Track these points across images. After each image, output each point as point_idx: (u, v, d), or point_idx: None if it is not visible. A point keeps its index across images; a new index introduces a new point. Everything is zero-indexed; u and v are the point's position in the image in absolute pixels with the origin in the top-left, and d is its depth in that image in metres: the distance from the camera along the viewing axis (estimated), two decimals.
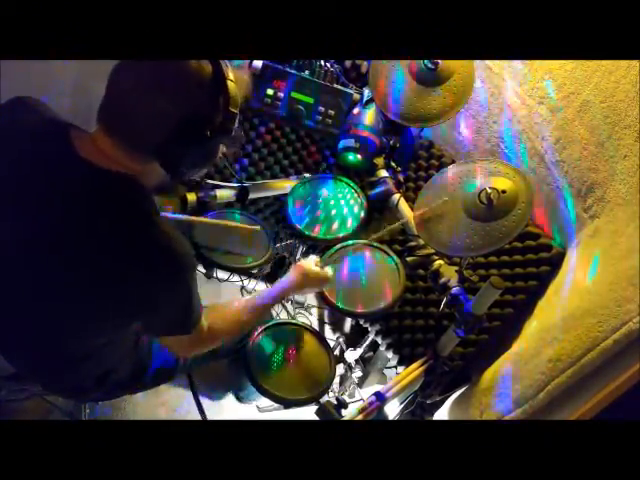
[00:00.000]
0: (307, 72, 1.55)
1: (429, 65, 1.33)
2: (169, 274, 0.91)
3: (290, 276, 1.27)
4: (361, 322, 1.71)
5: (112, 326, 0.99)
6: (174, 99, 0.85)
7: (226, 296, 1.91)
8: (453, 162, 1.61)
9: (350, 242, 1.47)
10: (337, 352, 1.87)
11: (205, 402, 1.54)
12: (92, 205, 0.88)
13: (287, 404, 1.35)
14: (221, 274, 1.58)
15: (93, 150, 0.89)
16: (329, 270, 1.34)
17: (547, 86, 1.32)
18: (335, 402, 1.29)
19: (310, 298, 2.02)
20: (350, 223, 1.51)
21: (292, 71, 1.53)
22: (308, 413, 1.34)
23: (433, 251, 1.37)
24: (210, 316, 1.07)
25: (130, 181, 0.90)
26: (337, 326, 2.05)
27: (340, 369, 1.79)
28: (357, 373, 1.80)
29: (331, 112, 1.57)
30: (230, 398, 1.72)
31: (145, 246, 0.88)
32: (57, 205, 0.88)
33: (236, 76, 0.92)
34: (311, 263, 1.30)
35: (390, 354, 1.61)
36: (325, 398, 1.38)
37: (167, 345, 1.11)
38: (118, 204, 0.89)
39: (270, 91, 1.52)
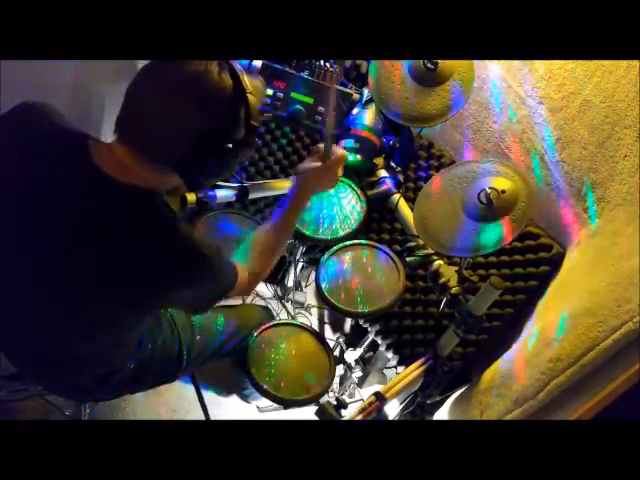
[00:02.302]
0: (307, 72, 1.54)
1: (429, 65, 1.33)
2: (201, 269, 0.93)
3: (293, 187, 1.19)
4: (361, 322, 1.71)
5: (126, 323, 1.01)
6: (194, 111, 0.85)
7: None
8: (453, 162, 1.61)
9: (350, 242, 1.47)
10: (337, 352, 1.87)
11: (205, 401, 1.54)
12: (110, 218, 0.88)
13: (287, 404, 1.35)
14: None
15: (111, 162, 0.89)
16: (339, 151, 1.21)
17: (547, 86, 1.31)
18: (335, 402, 1.29)
19: (310, 298, 2.02)
20: (350, 223, 1.50)
21: (292, 71, 1.53)
22: (308, 413, 1.34)
23: (433, 251, 1.37)
24: (245, 263, 1.09)
25: (149, 195, 0.91)
26: (337, 326, 2.04)
27: (340, 369, 1.79)
28: (357, 373, 1.80)
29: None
30: (230, 398, 1.72)
31: (171, 250, 0.90)
32: (73, 216, 0.89)
33: (253, 85, 0.92)
34: (310, 162, 1.20)
35: (390, 354, 1.61)
36: (325, 398, 1.38)
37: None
38: (141, 218, 0.89)
39: (270, 91, 1.52)
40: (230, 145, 0.90)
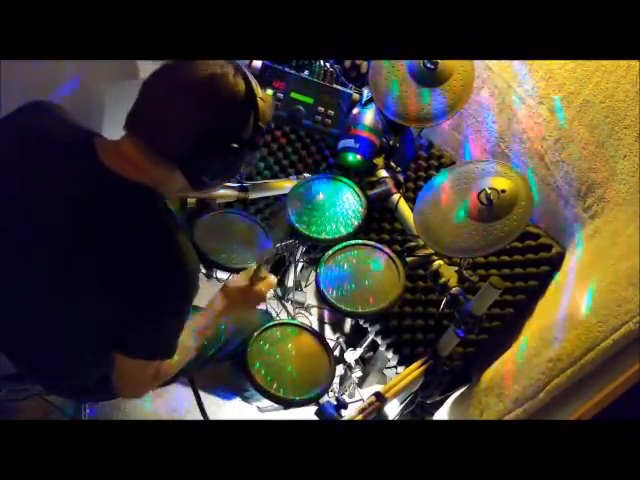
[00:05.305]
0: (307, 72, 1.55)
1: (429, 65, 1.33)
2: (174, 288, 0.91)
3: (215, 301, 1.18)
4: (361, 322, 1.71)
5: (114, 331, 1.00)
6: (208, 110, 0.87)
7: None
8: (453, 162, 1.61)
9: (350, 242, 1.47)
10: (337, 352, 1.87)
11: (205, 402, 1.54)
12: (112, 215, 0.88)
13: (287, 404, 1.35)
14: (221, 274, 1.58)
15: (118, 159, 0.89)
16: (270, 278, 1.21)
17: (547, 86, 1.32)
18: (335, 402, 1.29)
19: (310, 298, 2.02)
20: (350, 223, 1.50)
21: (292, 71, 1.53)
22: (308, 413, 1.34)
23: (433, 251, 1.37)
24: None
25: (153, 193, 0.91)
26: (337, 326, 2.05)
27: (340, 369, 1.79)
28: (357, 373, 1.80)
29: (331, 112, 1.57)
30: (230, 398, 1.72)
31: (159, 258, 0.89)
32: (76, 213, 0.89)
33: (264, 96, 0.95)
34: (238, 280, 1.19)
35: (390, 354, 1.62)
36: (325, 398, 1.38)
37: (124, 375, 1.01)
38: (139, 216, 0.89)
39: (270, 91, 1.52)
40: (236, 145, 0.91)
